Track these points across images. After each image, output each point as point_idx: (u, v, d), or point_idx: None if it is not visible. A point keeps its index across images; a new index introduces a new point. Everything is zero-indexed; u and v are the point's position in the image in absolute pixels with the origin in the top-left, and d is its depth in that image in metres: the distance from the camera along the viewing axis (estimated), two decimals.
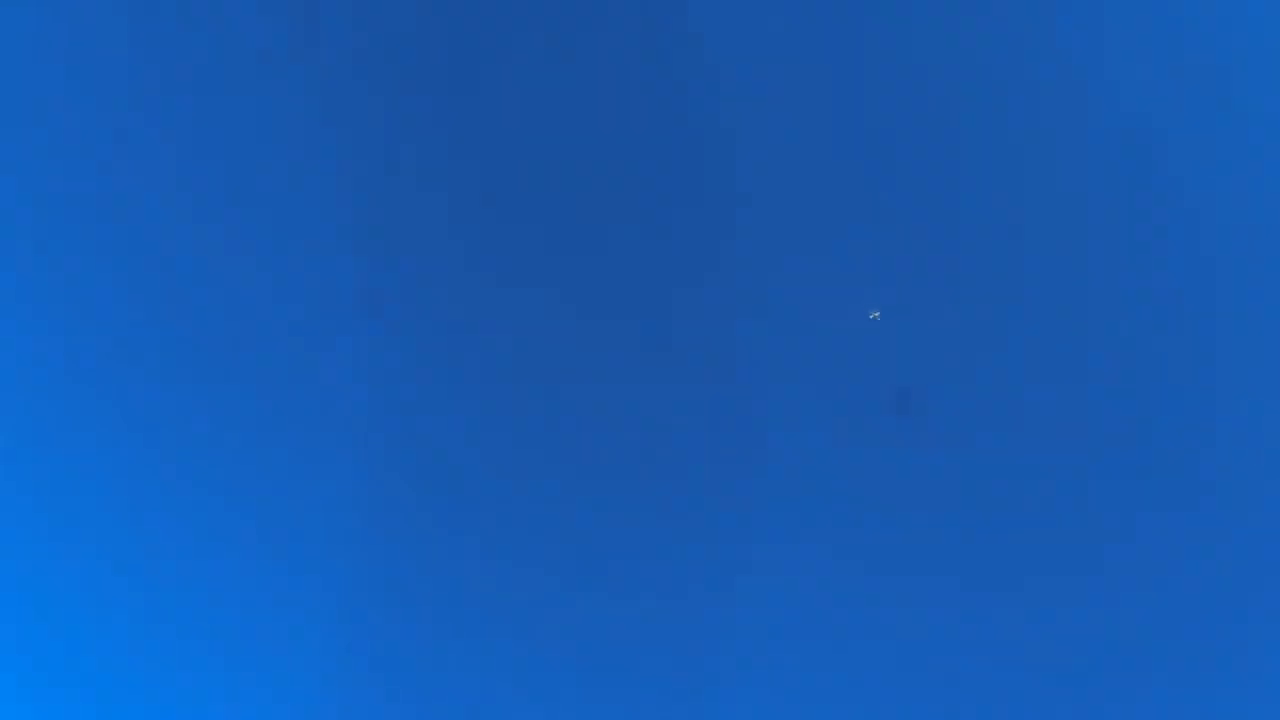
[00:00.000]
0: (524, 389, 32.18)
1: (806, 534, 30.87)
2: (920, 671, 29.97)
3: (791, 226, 32.23)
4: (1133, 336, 31.04)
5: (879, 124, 32.23)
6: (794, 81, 32.17)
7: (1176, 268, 31.06)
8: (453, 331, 32.24)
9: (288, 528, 30.94)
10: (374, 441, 31.54)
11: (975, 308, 31.72)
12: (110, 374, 31.46)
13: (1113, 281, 31.32)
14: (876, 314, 29.07)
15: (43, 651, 29.76)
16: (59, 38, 31.95)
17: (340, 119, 32.54)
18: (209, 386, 31.36)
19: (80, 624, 30.14)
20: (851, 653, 30.14)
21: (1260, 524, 29.45)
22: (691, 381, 32.08)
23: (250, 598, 30.59)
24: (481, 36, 32.80)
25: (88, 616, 30.18)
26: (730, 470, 31.35)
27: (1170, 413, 30.49)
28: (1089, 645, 29.69)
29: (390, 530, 31.31)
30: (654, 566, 31.02)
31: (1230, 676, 28.94)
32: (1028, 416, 31.25)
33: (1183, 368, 30.63)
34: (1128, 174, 31.59)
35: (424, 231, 32.72)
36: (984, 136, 31.96)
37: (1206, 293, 30.76)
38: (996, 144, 32.03)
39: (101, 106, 32.08)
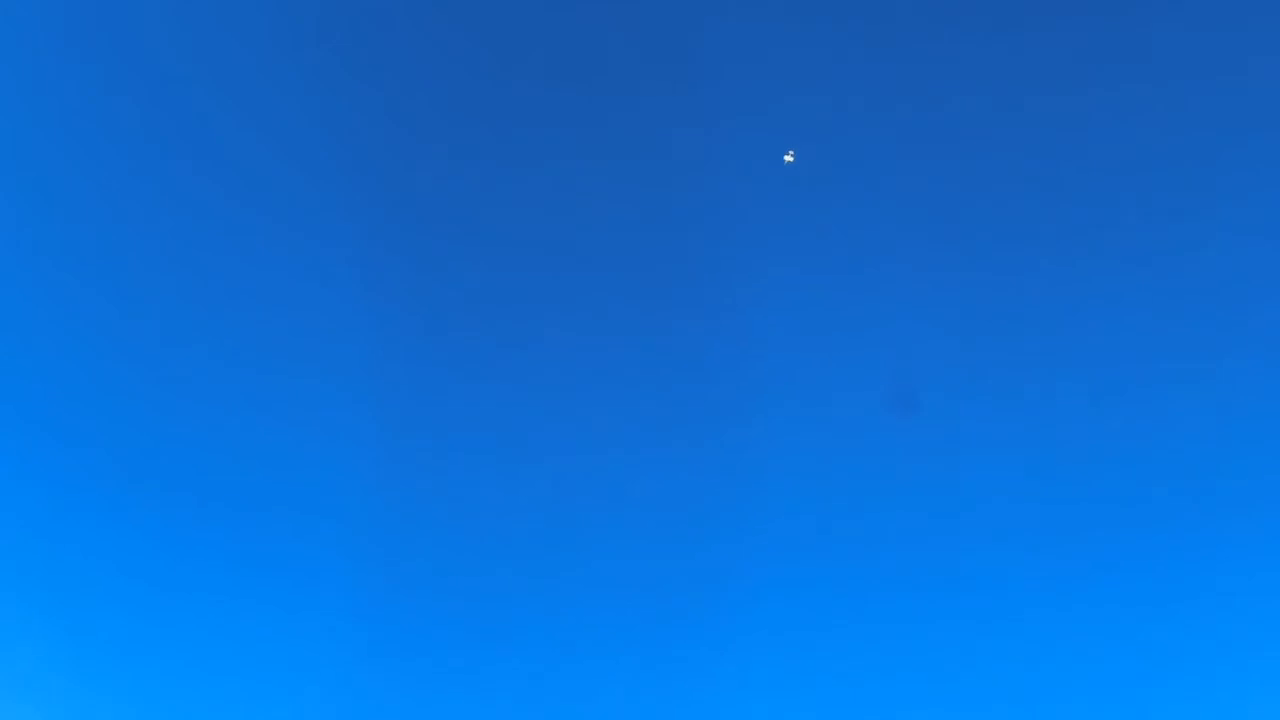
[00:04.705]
0: (518, 390, 32.27)
1: (804, 535, 30.92)
2: (919, 671, 30.01)
3: (792, 224, 32.25)
4: (1136, 338, 31.02)
5: (880, 122, 32.22)
6: (800, 81, 32.17)
7: (1178, 268, 31.02)
8: (444, 334, 32.34)
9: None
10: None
11: (976, 308, 31.72)
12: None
13: (1116, 282, 31.30)
14: (790, 155, 27.92)
15: (42, 649, 29.91)
16: (56, 38, 32.06)
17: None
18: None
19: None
20: (849, 653, 30.20)
21: (1263, 527, 29.43)
22: (691, 382, 32.11)
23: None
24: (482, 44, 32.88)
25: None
26: (729, 470, 31.42)
27: (1172, 414, 30.46)
28: (1090, 646, 29.70)
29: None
30: (650, 568, 31.08)
31: (1229, 677, 28.94)
32: (1028, 416, 31.26)
33: (1186, 369, 30.61)
34: (1131, 175, 31.56)
35: (424, 231, 32.79)
36: (985, 136, 31.95)
37: (1210, 294, 30.72)
38: (1000, 143, 32.04)
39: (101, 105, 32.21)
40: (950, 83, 32.31)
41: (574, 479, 31.85)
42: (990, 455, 31.19)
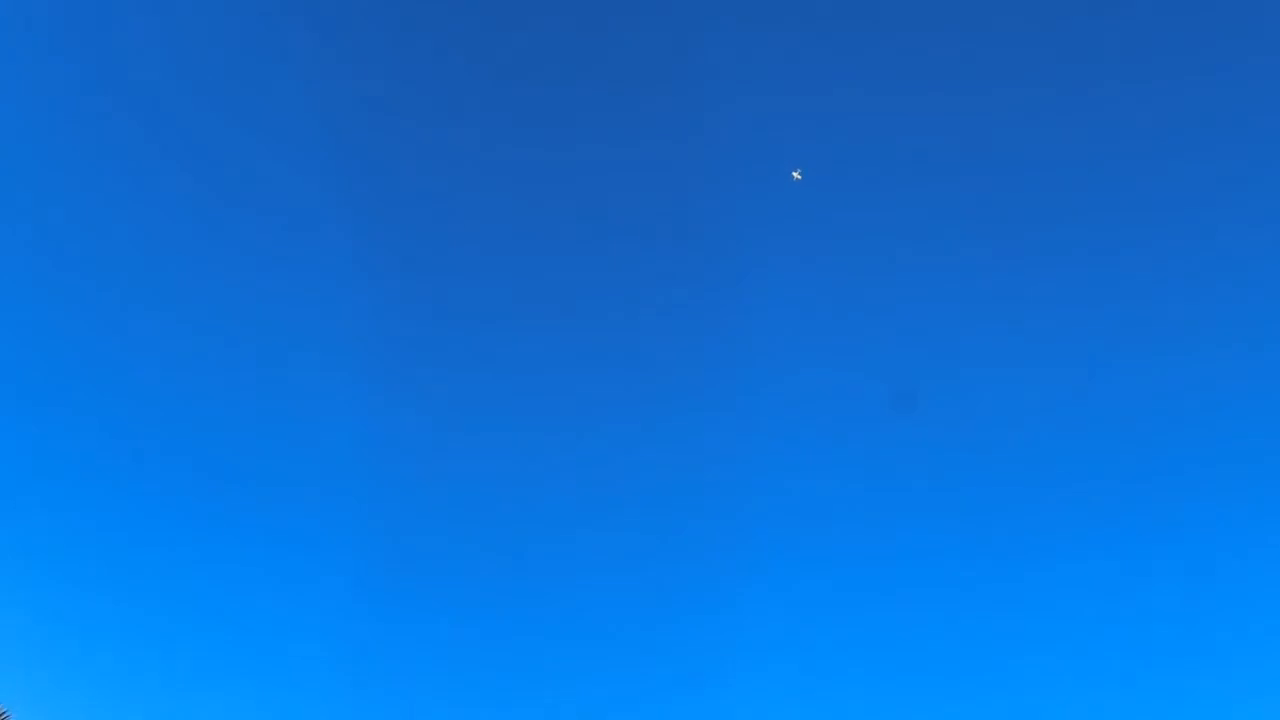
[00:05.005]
0: (526, 391, 32.34)
1: (805, 535, 31.05)
2: (917, 669, 30.17)
3: (794, 226, 32.35)
4: (1134, 338, 31.14)
5: (882, 126, 32.30)
6: (803, 85, 32.22)
7: (1178, 270, 31.17)
8: (447, 332, 32.37)
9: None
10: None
11: (976, 308, 31.83)
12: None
13: (1115, 283, 31.43)
14: (798, 174, 28.58)
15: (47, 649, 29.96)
16: (61, 41, 32.02)
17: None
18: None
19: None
20: (848, 651, 30.36)
21: (1256, 525, 29.61)
22: (688, 380, 32.19)
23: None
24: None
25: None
26: (731, 470, 31.55)
27: (1167, 413, 30.62)
28: (1088, 644, 29.90)
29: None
30: (648, 566, 31.23)
31: (1226, 674, 29.13)
32: (1027, 417, 31.38)
33: (1182, 368, 30.77)
34: (1130, 176, 31.63)
35: (427, 230, 32.85)
36: (987, 136, 31.99)
37: (1209, 296, 30.88)
38: (1000, 147, 32.09)
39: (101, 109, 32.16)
40: (948, 84, 32.44)
41: (573, 477, 32.01)
42: (989, 455, 31.36)
